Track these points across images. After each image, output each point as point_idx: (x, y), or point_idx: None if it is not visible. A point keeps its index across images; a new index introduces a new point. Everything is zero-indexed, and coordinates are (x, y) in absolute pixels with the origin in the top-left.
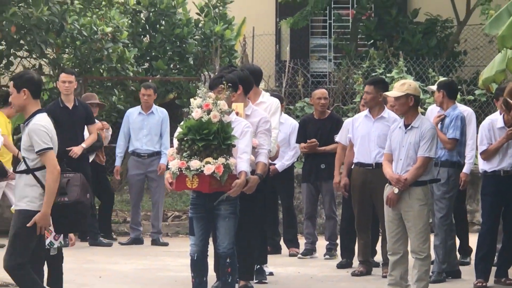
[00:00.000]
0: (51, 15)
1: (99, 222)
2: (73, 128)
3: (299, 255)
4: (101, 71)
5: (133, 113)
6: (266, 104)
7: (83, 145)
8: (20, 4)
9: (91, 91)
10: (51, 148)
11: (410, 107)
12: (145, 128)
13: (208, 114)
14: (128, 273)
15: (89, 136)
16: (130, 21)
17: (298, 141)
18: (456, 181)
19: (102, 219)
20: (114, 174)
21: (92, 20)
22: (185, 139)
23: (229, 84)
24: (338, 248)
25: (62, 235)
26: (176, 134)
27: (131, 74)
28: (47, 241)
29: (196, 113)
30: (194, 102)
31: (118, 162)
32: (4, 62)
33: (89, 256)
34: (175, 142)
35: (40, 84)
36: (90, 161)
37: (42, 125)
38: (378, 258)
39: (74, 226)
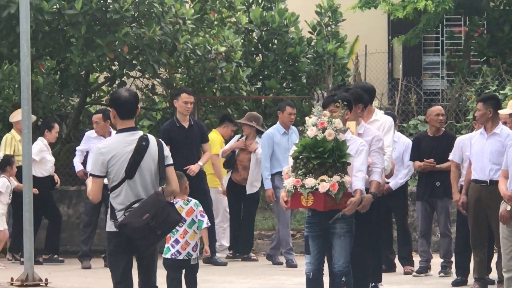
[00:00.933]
0: (163, 35)
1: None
2: (189, 147)
3: (414, 273)
4: (214, 90)
5: (275, 134)
6: (379, 122)
7: (200, 163)
8: (133, 25)
9: (204, 110)
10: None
11: None
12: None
13: (323, 132)
14: None
15: (203, 154)
16: (242, 40)
17: (412, 159)
18: None
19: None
20: (268, 197)
21: (205, 39)
22: (300, 157)
23: (344, 103)
24: (453, 266)
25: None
26: (291, 152)
27: (244, 93)
28: (185, 252)
29: (311, 131)
30: (309, 120)
31: (269, 185)
32: (117, 82)
33: (204, 276)
34: (290, 161)
35: (127, 103)
36: None
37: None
38: (493, 275)
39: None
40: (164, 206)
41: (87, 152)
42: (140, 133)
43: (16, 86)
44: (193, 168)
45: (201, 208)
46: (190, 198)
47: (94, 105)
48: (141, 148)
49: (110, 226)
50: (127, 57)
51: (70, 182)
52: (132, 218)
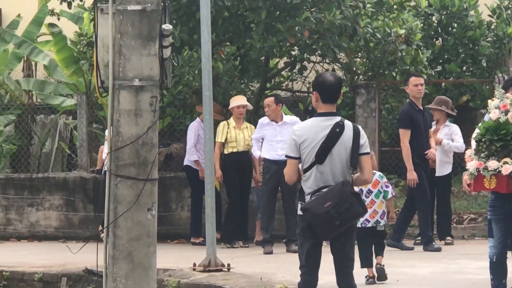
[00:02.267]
0: (343, 19)
1: None
2: (426, 131)
3: None
4: (394, 74)
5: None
6: None
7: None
8: (313, 9)
9: (385, 94)
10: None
11: None
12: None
13: (506, 114)
14: (425, 276)
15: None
16: (422, 24)
17: None
18: None
19: None
20: None
21: (385, 23)
22: (482, 140)
23: None
24: None
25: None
26: (474, 135)
27: (425, 77)
28: (374, 220)
29: (493, 114)
30: (492, 103)
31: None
32: (297, 67)
33: (386, 260)
34: (473, 143)
35: (331, 87)
36: None
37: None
38: None
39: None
40: (348, 197)
41: (263, 139)
42: (337, 119)
43: (196, 72)
44: (432, 152)
45: (385, 180)
46: (374, 171)
47: (274, 90)
48: (334, 134)
49: (299, 209)
50: (308, 41)
51: None
52: (314, 204)
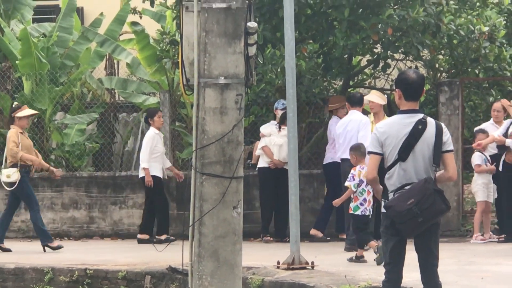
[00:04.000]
0: (427, 16)
1: None
2: None
3: None
4: (477, 71)
5: None
6: None
7: None
8: (396, 6)
9: (467, 92)
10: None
11: None
12: None
13: None
14: (511, 274)
15: None
16: (505, 21)
17: None
18: None
19: None
20: None
21: (468, 20)
22: None
23: None
24: None
25: None
26: None
27: (508, 74)
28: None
29: None
30: None
31: None
32: (381, 65)
33: (471, 258)
34: None
35: (414, 85)
36: None
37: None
38: None
39: None
40: (430, 194)
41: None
42: (419, 116)
43: (279, 70)
44: None
45: None
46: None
47: (357, 88)
48: (416, 131)
49: (382, 207)
50: (391, 39)
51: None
52: (397, 201)
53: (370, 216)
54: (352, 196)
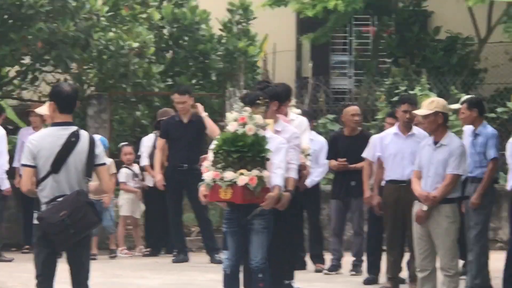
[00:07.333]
0: (77, 30)
1: None
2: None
3: (325, 271)
4: (125, 86)
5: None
6: (295, 123)
7: None
8: (47, 20)
9: (115, 106)
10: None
11: (439, 125)
12: None
13: (244, 127)
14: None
15: None
16: (154, 37)
17: (329, 158)
18: (492, 197)
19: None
20: None
21: (118, 35)
22: (219, 151)
23: (266, 100)
24: (363, 264)
25: None
26: (211, 146)
27: (157, 90)
28: None
29: (231, 126)
30: (230, 116)
31: None
32: (29, 77)
33: (116, 271)
34: (210, 155)
35: (68, 97)
36: None
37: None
38: (403, 274)
39: None
40: (82, 206)
41: None
42: (73, 128)
43: None
44: None
45: None
46: None
47: (5, 98)
48: (69, 144)
49: (34, 218)
50: (40, 52)
51: None
52: (49, 213)
53: None
54: None
